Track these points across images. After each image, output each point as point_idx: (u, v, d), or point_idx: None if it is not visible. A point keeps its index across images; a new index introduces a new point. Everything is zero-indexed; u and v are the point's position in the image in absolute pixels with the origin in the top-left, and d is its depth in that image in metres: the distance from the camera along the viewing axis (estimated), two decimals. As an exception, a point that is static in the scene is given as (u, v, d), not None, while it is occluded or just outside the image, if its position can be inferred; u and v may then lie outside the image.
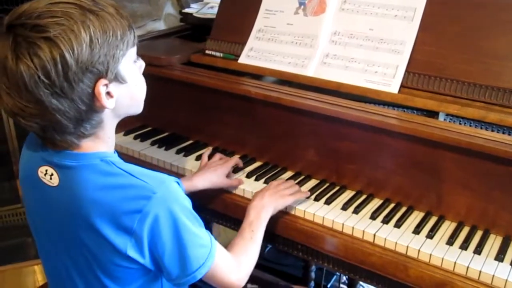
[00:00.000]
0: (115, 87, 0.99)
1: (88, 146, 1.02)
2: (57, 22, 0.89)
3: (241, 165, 1.56)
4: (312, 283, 1.99)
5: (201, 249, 1.05)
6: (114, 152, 1.09)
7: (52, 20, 0.89)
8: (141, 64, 1.08)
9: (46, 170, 1.03)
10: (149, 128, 1.85)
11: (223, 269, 1.11)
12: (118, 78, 0.99)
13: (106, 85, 0.96)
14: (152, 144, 1.74)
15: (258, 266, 1.26)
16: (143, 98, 1.09)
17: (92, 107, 0.97)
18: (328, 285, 2.11)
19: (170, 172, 1.60)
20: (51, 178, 1.03)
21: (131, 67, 1.03)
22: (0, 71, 0.92)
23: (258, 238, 1.26)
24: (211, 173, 1.46)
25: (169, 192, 1.01)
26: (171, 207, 1.00)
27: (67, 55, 0.89)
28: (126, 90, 1.02)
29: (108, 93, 0.98)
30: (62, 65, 0.89)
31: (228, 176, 1.49)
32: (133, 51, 1.03)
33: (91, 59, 0.92)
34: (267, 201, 1.34)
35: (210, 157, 1.57)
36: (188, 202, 1.06)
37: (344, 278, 2.15)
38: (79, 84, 0.92)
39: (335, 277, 2.14)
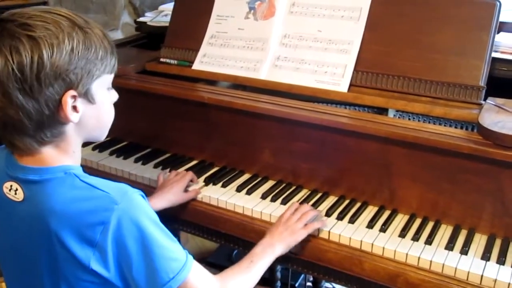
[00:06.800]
0: (83, 104, 1.00)
1: (51, 157, 1.02)
2: (45, 27, 0.93)
3: (195, 180, 1.55)
4: (279, 283, 2.01)
5: (172, 263, 1.02)
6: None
7: (41, 24, 0.94)
8: (115, 95, 1.11)
9: (11, 186, 1.03)
10: (107, 138, 1.84)
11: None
12: (87, 96, 1.00)
13: (75, 98, 0.98)
14: (111, 154, 1.75)
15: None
16: (108, 126, 1.11)
17: (55, 115, 0.97)
18: (296, 284, 2.13)
19: (128, 181, 1.60)
20: (16, 194, 1.03)
21: (104, 92, 1.05)
22: None
23: (255, 271, 1.21)
24: (168, 192, 1.47)
25: (131, 203, 1.00)
26: (134, 218, 0.99)
27: (45, 57, 0.92)
28: (94, 111, 1.03)
29: (74, 107, 0.99)
30: (38, 64, 0.92)
31: (185, 189, 1.50)
32: (109, 77, 1.06)
33: (67, 67, 0.94)
34: (276, 239, 1.28)
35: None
36: (154, 215, 1.04)
37: (311, 277, 2.17)
38: (48, 88, 0.94)
39: (302, 276, 2.17)
